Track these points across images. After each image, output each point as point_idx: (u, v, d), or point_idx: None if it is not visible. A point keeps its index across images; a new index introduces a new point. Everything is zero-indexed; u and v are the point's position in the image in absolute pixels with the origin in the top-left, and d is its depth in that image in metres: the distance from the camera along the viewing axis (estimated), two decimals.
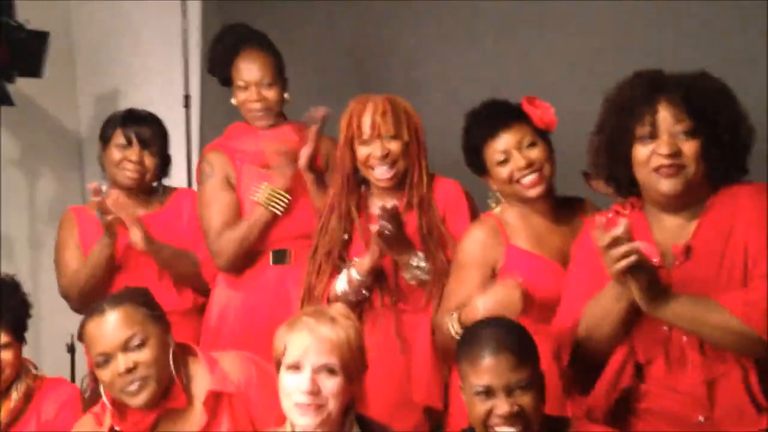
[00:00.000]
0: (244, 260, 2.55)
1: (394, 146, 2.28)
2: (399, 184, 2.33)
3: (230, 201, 2.55)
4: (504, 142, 2.13)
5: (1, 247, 3.54)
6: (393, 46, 3.28)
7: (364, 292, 2.28)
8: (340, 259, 2.31)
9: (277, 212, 2.50)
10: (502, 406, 1.65)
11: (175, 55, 3.49)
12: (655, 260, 1.76)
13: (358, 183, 2.36)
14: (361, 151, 2.29)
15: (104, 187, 2.56)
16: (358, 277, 2.25)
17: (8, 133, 3.67)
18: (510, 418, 1.65)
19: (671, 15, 2.93)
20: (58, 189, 3.88)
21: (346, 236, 2.31)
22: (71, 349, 3.24)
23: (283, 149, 2.50)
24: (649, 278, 1.66)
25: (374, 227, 2.20)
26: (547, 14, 3.03)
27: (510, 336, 1.72)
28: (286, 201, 2.50)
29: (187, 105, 3.46)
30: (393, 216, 2.18)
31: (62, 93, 3.85)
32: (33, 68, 3.30)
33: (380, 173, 2.29)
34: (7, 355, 2.16)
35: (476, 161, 2.18)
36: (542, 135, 2.16)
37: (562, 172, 2.19)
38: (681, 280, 1.75)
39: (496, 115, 2.15)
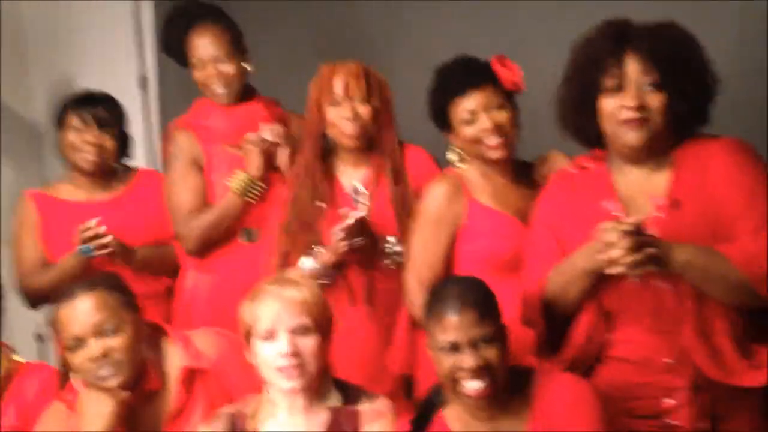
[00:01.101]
0: (213, 243, 2.53)
1: (364, 110, 2.28)
2: (368, 148, 2.33)
3: (198, 183, 2.53)
4: (472, 101, 2.13)
5: None
6: (361, 7, 3.24)
7: (332, 272, 2.29)
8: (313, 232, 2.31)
9: (252, 201, 2.49)
10: (467, 360, 1.69)
11: (128, 36, 3.44)
12: (617, 213, 1.80)
13: (326, 150, 2.36)
14: (331, 113, 2.29)
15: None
16: (320, 266, 2.26)
17: None
18: (476, 371, 1.69)
19: None
20: (17, 178, 3.81)
21: (319, 203, 2.31)
22: (39, 339, 3.22)
23: (256, 137, 2.48)
24: (656, 248, 1.69)
25: (337, 231, 2.20)
26: None
27: (473, 293, 1.76)
28: (261, 189, 2.49)
29: (143, 86, 3.41)
30: (362, 228, 2.20)
31: (14, 79, 3.75)
32: None
33: (348, 131, 2.28)
34: None
35: (441, 117, 2.19)
36: (510, 97, 2.17)
37: (536, 131, 2.18)
38: (666, 232, 1.78)
39: (465, 73, 2.16)
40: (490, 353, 1.71)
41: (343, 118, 2.28)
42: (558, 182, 1.97)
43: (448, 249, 2.18)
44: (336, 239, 2.22)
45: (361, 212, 2.27)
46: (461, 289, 1.77)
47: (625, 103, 1.78)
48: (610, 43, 1.80)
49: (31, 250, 2.61)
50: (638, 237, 1.68)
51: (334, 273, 2.29)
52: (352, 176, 2.35)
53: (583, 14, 2.53)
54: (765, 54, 2.52)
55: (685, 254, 1.72)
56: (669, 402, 1.80)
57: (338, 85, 2.27)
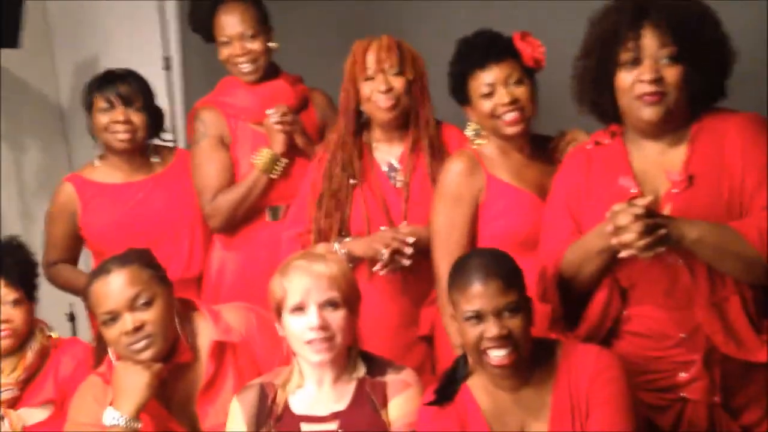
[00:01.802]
0: (240, 220, 2.57)
1: (398, 83, 2.29)
2: (403, 124, 2.34)
3: (224, 161, 2.56)
4: (491, 75, 2.13)
5: None
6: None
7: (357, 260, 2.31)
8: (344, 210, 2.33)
9: (275, 177, 2.52)
10: (491, 329, 1.71)
11: (152, 17, 3.46)
12: (634, 191, 1.81)
13: (360, 126, 2.37)
14: (365, 88, 2.30)
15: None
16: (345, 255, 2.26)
17: None
18: (500, 340, 1.71)
19: None
20: (45, 160, 3.88)
21: (352, 181, 2.33)
22: (72, 318, 3.28)
23: (281, 112, 2.50)
24: (668, 228, 1.70)
25: (383, 252, 2.22)
26: None
27: (497, 263, 1.78)
28: (284, 165, 2.52)
29: (167, 67, 3.44)
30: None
31: (40, 63, 3.82)
32: (10, 40, 3.27)
33: (383, 104, 2.29)
34: (19, 312, 2.19)
35: (460, 90, 2.19)
36: (529, 73, 2.17)
37: (557, 108, 2.16)
38: (681, 207, 1.79)
39: (486, 47, 2.15)
40: (514, 323, 1.73)
41: (376, 91, 2.28)
42: (574, 159, 1.98)
43: (472, 224, 2.18)
44: (380, 257, 2.23)
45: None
46: (485, 260, 1.78)
47: (641, 77, 1.77)
48: (628, 15, 1.79)
49: (60, 244, 2.66)
50: (649, 219, 1.68)
51: (358, 261, 2.30)
52: (388, 153, 2.37)
53: None
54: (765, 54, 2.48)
55: (697, 232, 1.72)
56: (683, 376, 1.82)
57: (371, 59, 2.28)
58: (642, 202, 1.71)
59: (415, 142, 2.34)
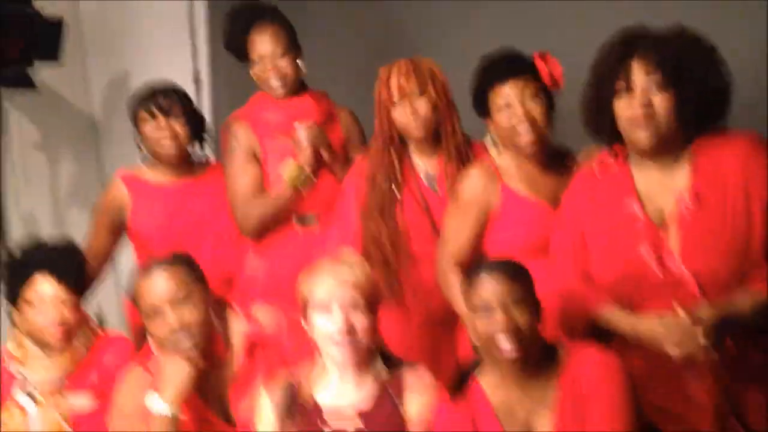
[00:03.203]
0: (270, 228, 2.68)
1: (422, 103, 2.42)
2: (435, 138, 2.47)
3: (255, 173, 2.68)
4: (509, 89, 2.24)
5: (27, 226, 3.69)
6: (407, 10, 3.32)
7: None
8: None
9: (303, 189, 2.64)
10: (499, 320, 1.84)
11: (184, 35, 3.59)
12: (637, 209, 1.93)
13: (397, 142, 2.49)
14: (395, 114, 2.44)
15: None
16: None
17: (27, 118, 3.82)
18: (507, 331, 1.83)
19: None
20: (77, 170, 4.00)
21: (395, 188, 2.45)
22: (101, 322, 3.42)
23: (308, 129, 2.62)
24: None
25: None
26: None
27: (507, 264, 1.92)
28: (310, 177, 2.63)
29: (197, 83, 3.57)
30: None
31: (75, 76, 3.94)
32: (51, 54, 3.42)
33: (413, 128, 2.43)
34: (72, 311, 2.32)
35: (481, 102, 2.30)
36: (547, 91, 2.26)
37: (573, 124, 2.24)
38: (688, 226, 1.90)
39: (507, 63, 2.26)
40: (521, 317, 1.84)
41: (405, 116, 2.42)
42: (582, 179, 2.10)
43: (478, 232, 2.30)
44: None
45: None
46: (497, 261, 1.94)
47: (632, 104, 1.90)
48: (620, 47, 1.94)
49: (102, 227, 2.79)
50: (706, 328, 1.81)
51: None
52: (425, 163, 2.49)
53: (625, 12, 2.57)
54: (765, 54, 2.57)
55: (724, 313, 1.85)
56: (692, 389, 1.91)
57: (394, 87, 2.42)
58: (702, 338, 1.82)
59: (448, 153, 2.46)
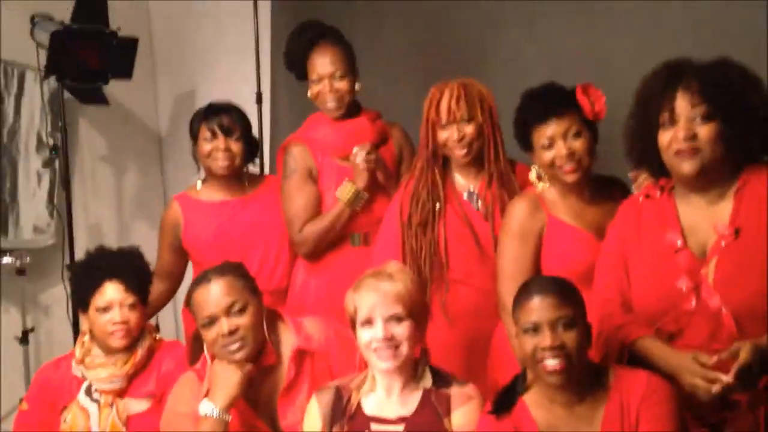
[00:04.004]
0: (324, 247, 2.75)
1: (470, 129, 2.46)
2: (478, 161, 2.51)
3: (312, 194, 2.75)
4: (551, 129, 2.26)
5: (92, 235, 3.87)
6: (460, 35, 3.33)
7: None
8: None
9: (357, 209, 2.71)
10: (546, 339, 1.86)
11: (248, 55, 3.68)
12: (679, 243, 1.94)
13: (440, 159, 2.53)
14: (441, 135, 2.48)
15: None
16: None
17: (97, 132, 4.00)
18: (553, 350, 1.85)
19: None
20: (141, 182, 4.18)
21: (438, 205, 2.49)
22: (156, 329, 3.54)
23: (366, 152, 2.68)
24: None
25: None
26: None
27: (555, 282, 1.94)
28: (365, 198, 2.70)
29: (259, 102, 3.66)
30: None
31: (143, 93, 4.14)
32: (125, 71, 3.59)
33: (458, 152, 2.48)
34: (135, 315, 2.41)
35: (524, 139, 2.33)
36: (589, 124, 2.27)
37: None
38: (727, 260, 1.90)
39: (549, 101, 2.27)
40: (568, 336, 1.86)
41: (451, 140, 2.46)
42: (627, 210, 2.11)
43: (536, 258, 2.32)
44: None
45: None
46: (546, 280, 1.97)
47: (676, 135, 1.90)
48: (664, 80, 1.94)
49: (165, 249, 2.90)
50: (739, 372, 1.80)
51: None
52: (467, 183, 2.53)
53: (674, 35, 2.63)
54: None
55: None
56: (727, 414, 1.89)
57: (443, 110, 2.46)
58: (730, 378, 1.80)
59: (489, 176, 2.50)
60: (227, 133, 2.78)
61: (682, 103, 1.91)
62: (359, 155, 2.69)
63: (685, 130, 1.90)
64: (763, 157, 1.97)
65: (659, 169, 2.01)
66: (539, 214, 2.32)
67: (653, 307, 1.98)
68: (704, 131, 1.90)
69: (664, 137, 1.94)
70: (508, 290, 2.26)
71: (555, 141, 2.26)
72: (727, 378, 1.81)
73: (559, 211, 2.32)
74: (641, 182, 2.25)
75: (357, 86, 2.77)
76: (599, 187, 2.36)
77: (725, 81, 1.91)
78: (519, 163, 2.56)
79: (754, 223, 1.90)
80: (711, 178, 1.94)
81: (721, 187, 1.95)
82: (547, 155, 2.28)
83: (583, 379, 1.90)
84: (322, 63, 2.72)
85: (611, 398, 1.88)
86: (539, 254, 2.33)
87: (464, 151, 2.48)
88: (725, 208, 1.94)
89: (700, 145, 1.90)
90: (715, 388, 1.82)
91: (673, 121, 1.92)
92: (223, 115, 2.80)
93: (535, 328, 1.89)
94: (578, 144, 2.26)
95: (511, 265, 2.33)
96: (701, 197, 1.97)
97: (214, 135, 2.79)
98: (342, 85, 2.73)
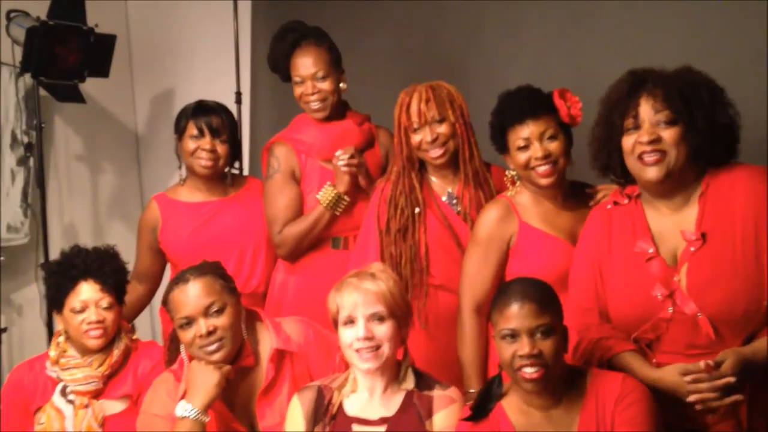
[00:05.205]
0: (305, 249, 2.74)
1: (442, 129, 2.46)
2: (453, 162, 2.50)
3: (294, 195, 2.73)
4: (527, 130, 2.26)
5: (68, 235, 3.81)
6: (443, 38, 3.34)
7: None
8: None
9: (338, 213, 2.69)
10: (524, 347, 1.86)
11: (227, 55, 3.67)
12: (651, 251, 1.96)
13: (416, 163, 2.52)
14: (414, 138, 2.47)
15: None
16: None
17: (73, 130, 3.95)
18: (530, 358, 1.85)
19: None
20: (118, 182, 4.12)
21: (417, 210, 2.48)
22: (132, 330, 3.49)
23: (348, 156, 2.66)
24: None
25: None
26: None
27: (534, 289, 1.93)
28: (346, 202, 2.69)
29: (238, 101, 3.63)
30: None
31: (121, 92, 4.08)
32: (102, 69, 3.54)
33: (433, 153, 2.47)
34: (110, 315, 2.38)
35: (500, 140, 2.34)
36: (565, 128, 2.28)
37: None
38: (698, 265, 1.92)
39: (526, 103, 2.28)
40: (546, 344, 1.86)
41: (425, 142, 2.45)
42: (596, 218, 2.13)
43: (498, 269, 2.33)
44: None
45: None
46: (525, 285, 1.94)
47: (640, 139, 1.93)
48: (628, 87, 1.97)
49: (143, 249, 2.86)
50: (719, 382, 1.84)
51: None
52: (445, 185, 2.53)
53: (655, 42, 2.65)
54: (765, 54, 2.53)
55: (749, 352, 1.86)
56: (710, 417, 1.91)
57: (414, 113, 2.45)
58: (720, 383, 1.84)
59: (466, 177, 2.49)
60: (214, 133, 2.76)
61: (646, 108, 1.94)
62: (341, 159, 2.67)
63: (648, 134, 1.93)
64: (725, 159, 1.99)
65: (623, 175, 2.03)
66: (510, 220, 2.33)
67: (630, 316, 2.00)
68: (668, 134, 1.93)
69: (628, 141, 1.97)
70: (466, 295, 2.33)
71: (531, 142, 2.27)
72: (713, 394, 1.84)
73: (530, 216, 2.33)
74: (599, 199, 2.28)
75: (342, 85, 2.75)
76: (573, 193, 2.37)
77: (688, 88, 1.94)
78: (494, 165, 2.55)
79: (719, 226, 1.93)
80: (675, 185, 1.96)
81: (685, 192, 1.98)
82: (523, 156, 2.28)
83: (560, 383, 1.91)
84: (304, 64, 2.71)
85: (587, 401, 1.89)
86: (504, 263, 2.33)
87: (440, 151, 2.47)
88: (690, 213, 1.97)
89: (665, 148, 1.93)
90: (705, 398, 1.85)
91: (637, 126, 1.95)
92: (213, 115, 2.78)
93: (513, 335, 1.89)
94: (554, 146, 2.27)
95: (474, 271, 2.34)
96: (668, 203, 2.00)
97: (201, 133, 2.76)
98: (325, 85, 2.72)
